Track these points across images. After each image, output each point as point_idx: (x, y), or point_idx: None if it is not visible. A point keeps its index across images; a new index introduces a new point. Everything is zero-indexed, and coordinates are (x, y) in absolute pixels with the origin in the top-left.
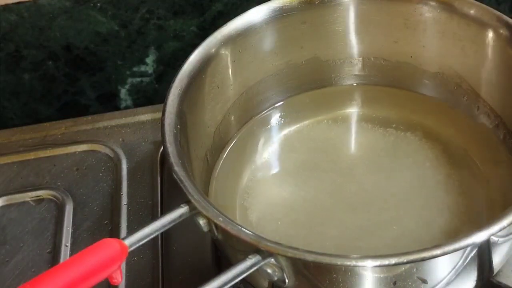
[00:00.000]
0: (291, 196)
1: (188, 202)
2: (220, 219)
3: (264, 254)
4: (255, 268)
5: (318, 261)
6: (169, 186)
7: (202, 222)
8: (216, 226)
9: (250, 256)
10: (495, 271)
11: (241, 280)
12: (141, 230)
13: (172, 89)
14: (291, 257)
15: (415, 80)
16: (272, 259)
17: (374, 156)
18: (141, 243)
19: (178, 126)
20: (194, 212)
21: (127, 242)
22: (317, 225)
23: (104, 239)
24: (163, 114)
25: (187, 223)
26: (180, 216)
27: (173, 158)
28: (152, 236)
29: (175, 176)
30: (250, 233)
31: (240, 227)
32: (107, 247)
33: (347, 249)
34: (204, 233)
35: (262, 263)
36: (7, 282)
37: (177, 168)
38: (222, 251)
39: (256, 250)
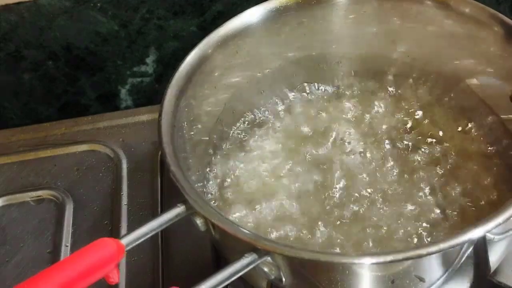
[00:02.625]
0: (282, 196)
1: (184, 201)
2: (217, 218)
3: (261, 252)
4: (251, 266)
5: (315, 259)
6: (169, 186)
7: (199, 221)
8: (213, 225)
9: (246, 255)
10: (492, 269)
11: (240, 280)
12: (138, 230)
13: (169, 89)
14: (287, 255)
15: (413, 79)
16: (269, 258)
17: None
18: (138, 242)
19: (175, 126)
20: (191, 211)
21: (124, 241)
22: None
23: (101, 239)
24: (160, 115)
25: (187, 222)
26: (177, 215)
27: (170, 158)
28: (149, 235)
29: (172, 176)
30: (247, 231)
31: (237, 226)
32: (103, 246)
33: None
34: (204, 233)
35: (259, 261)
36: (7, 282)
37: (174, 168)
38: (220, 250)
39: (253, 249)
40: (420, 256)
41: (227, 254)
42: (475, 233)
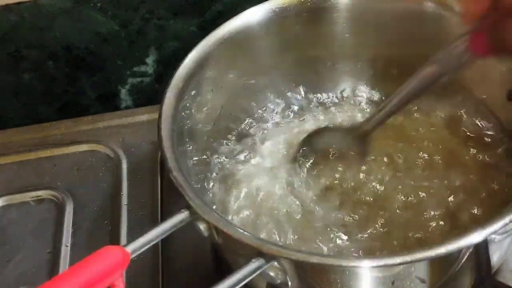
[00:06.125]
0: (283, 203)
1: (188, 207)
2: (222, 223)
3: (267, 257)
4: (258, 271)
5: (323, 263)
6: (169, 186)
7: (202, 226)
8: (217, 230)
9: (253, 260)
10: (494, 269)
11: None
12: (143, 237)
13: (168, 92)
14: (295, 259)
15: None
16: (275, 262)
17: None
18: (142, 249)
19: (175, 130)
20: (195, 217)
21: (129, 249)
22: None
23: (105, 247)
24: (159, 118)
25: (187, 224)
26: (181, 221)
27: (171, 163)
28: (153, 243)
29: (174, 181)
30: (253, 236)
31: (242, 230)
32: (109, 255)
33: None
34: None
35: (266, 266)
36: (8, 282)
37: (176, 174)
38: (222, 254)
39: (259, 254)
40: (420, 260)
41: (230, 258)
42: (476, 238)
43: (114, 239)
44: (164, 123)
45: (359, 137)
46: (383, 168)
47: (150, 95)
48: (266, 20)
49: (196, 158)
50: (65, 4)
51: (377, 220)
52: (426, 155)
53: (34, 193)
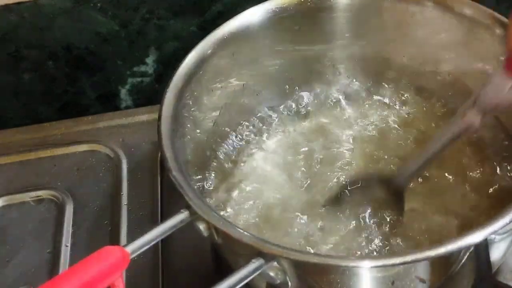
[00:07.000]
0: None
1: (188, 207)
2: (222, 223)
3: (267, 257)
4: (258, 271)
5: (322, 263)
6: (169, 186)
7: (202, 227)
8: (217, 230)
9: (253, 260)
10: (494, 269)
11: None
12: (142, 237)
13: (167, 92)
14: (295, 259)
15: (410, 80)
16: (275, 262)
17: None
18: (142, 250)
19: (174, 129)
20: (195, 217)
21: (129, 249)
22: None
23: (105, 247)
24: (159, 119)
25: (186, 224)
26: (181, 221)
27: (171, 163)
28: (153, 243)
29: (174, 181)
30: (253, 236)
31: (242, 230)
32: (108, 255)
33: None
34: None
35: (265, 266)
36: (8, 282)
37: (176, 174)
38: (222, 254)
39: (259, 254)
40: (418, 261)
41: (230, 258)
42: (476, 238)
43: (114, 239)
44: (164, 123)
45: (394, 190)
46: None
47: (150, 95)
48: (266, 20)
49: (196, 158)
50: (65, 4)
51: None
52: None
53: (34, 193)
